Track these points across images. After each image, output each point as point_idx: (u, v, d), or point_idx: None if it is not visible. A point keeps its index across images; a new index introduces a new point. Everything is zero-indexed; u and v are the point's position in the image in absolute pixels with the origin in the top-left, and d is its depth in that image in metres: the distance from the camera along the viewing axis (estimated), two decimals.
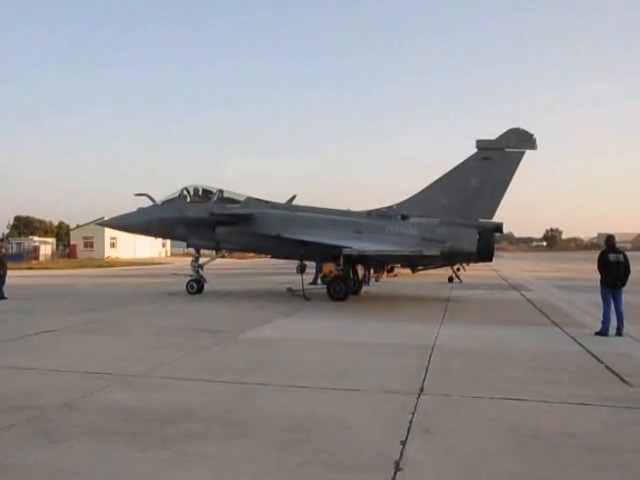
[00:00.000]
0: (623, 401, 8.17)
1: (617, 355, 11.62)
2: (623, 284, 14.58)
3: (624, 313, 14.45)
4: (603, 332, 14.16)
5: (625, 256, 14.56)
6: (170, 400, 8.05)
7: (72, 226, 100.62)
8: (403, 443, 6.37)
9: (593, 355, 11.63)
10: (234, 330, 14.54)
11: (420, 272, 30.88)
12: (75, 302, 21.57)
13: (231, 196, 25.03)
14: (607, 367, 10.46)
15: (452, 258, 23.92)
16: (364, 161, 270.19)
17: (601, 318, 14.49)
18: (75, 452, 6.12)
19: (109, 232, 75.58)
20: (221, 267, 46.93)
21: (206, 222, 23.79)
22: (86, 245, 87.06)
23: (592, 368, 10.50)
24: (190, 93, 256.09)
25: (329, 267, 27.40)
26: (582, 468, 5.79)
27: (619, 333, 14.12)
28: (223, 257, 29.80)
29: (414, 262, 24.90)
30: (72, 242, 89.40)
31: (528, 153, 22.81)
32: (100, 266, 56.74)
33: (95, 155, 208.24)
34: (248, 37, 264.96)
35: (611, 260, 14.45)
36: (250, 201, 24.81)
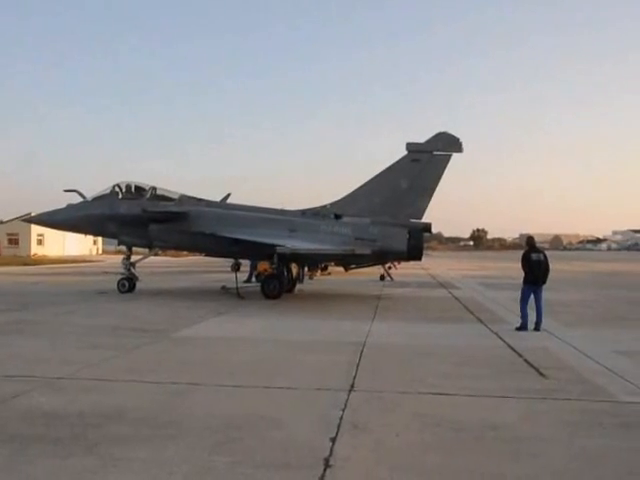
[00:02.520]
0: (539, 393, 8.53)
1: (535, 349, 12.12)
2: (544, 282, 15.22)
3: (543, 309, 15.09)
4: (523, 327, 14.75)
5: (545, 255, 15.22)
6: (98, 402, 7.78)
7: None
8: (333, 440, 6.40)
9: (514, 350, 12.06)
10: (167, 329, 14.24)
11: (353, 270, 31.22)
12: None
13: (165, 193, 24.53)
14: (526, 361, 10.88)
15: (383, 257, 24.29)
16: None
17: (520, 314, 15.06)
18: None
19: (36, 229, 72.50)
20: (154, 265, 45.85)
21: (138, 219, 23.18)
22: (10, 242, 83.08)
23: (513, 362, 10.89)
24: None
25: (263, 265, 27.27)
26: (502, 458, 5.98)
27: (537, 328, 14.73)
28: (156, 255, 29.12)
29: (347, 261, 25.12)
30: None
31: (455, 156, 23.48)
32: (26, 264, 54.32)
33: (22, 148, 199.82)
34: None
35: (533, 259, 15.07)
36: (184, 199, 24.38)
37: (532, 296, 15.12)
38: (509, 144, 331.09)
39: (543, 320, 14.92)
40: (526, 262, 15.15)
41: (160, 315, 17.15)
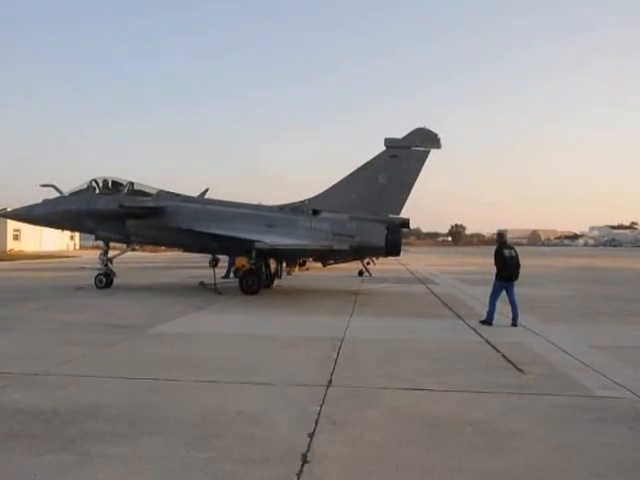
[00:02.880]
0: (516, 388, 8.61)
1: (512, 344, 12.23)
2: (517, 277, 15.37)
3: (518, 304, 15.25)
4: (488, 321, 14.97)
5: (516, 251, 15.39)
6: (74, 399, 7.69)
7: None
8: (311, 435, 6.40)
9: (491, 345, 12.16)
10: (144, 325, 14.13)
11: (331, 266, 31.21)
12: None
13: (142, 189, 24.33)
14: (504, 356, 10.97)
15: (361, 252, 24.32)
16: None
17: (487, 308, 15.26)
18: None
19: (12, 224, 71.32)
20: (132, 261, 45.51)
21: (116, 215, 22.96)
22: None
23: (490, 357, 10.98)
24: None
25: (241, 261, 27.16)
26: (480, 453, 6.03)
27: (514, 323, 14.87)
28: (134, 250, 28.88)
29: (325, 256, 25.11)
30: None
31: (433, 152, 23.58)
32: (2, 259, 53.48)
33: None
34: None
35: (506, 255, 15.21)
36: (161, 194, 24.20)
37: (504, 292, 15.30)
38: (487, 139, 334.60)
39: (520, 315, 15.06)
40: (499, 258, 15.27)
41: (137, 311, 17.00)
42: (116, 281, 24.30)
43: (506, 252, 15.24)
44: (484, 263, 52.97)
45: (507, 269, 15.17)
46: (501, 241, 15.62)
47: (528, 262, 60.61)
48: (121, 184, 24.13)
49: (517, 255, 15.29)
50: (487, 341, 12.63)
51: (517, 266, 15.24)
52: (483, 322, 14.99)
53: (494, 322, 14.98)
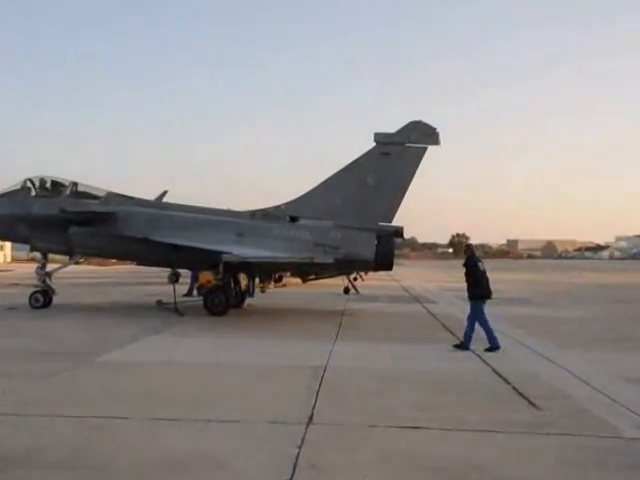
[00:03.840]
0: (529, 426, 8.62)
1: (524, 374, 12.28)
2: (491, 294, 15.72)
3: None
4: (465, 346, 15.16)
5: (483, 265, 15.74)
6: (3, 442, 7.55)
7: None
8: None
9: (499, 375, 12.20)
10: (90, 352, 13.97)
11: (312, 282, 31.22)
12: None
13: (88, 190, 24.13)
14: (514, 388, 11.00)
15: (347, 266, 24.35)
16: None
17: (477, 333, 15.41)
18: None
19: None
20: (75, 276, 45.04)
21: (56, 221, 22.70)
22: None
23: (499, 390, 11.01)
24: None
25: (206, 276, 26.96)
26: None
27: (494, 348, 15.05)
28: (78, 263, 28.56)
29: (305, 270, 25.14)
30: None
31: (431, 149, 23.68)
32: None
33: None
34: None
35: (481, 269, 15.50)
36: (111, 197, 24.01)
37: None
38: (495, 137, 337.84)
39: (533, 340, 15.17)
40: (473, 272, 15.50)
41: (82, 335, 16.82)
42: (56, 300, 24.01)
43: (480, 265, 15.58)
44: (491, 279, 52.95)
45: (483, 285, 15.45)
46: (470, 254, 15.92)
47: (541, 278, 61.45)
48: (62, 184, 23.91)
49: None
50: (495, 370, 12.66)
51: (487, 281, 15.61)
52: (458, 347, 15.16)
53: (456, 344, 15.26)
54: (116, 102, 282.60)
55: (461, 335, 17.62)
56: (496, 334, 15.36)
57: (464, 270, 15.67)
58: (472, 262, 15.59)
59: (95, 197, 23.93)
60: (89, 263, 59.70)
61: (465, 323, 15.63)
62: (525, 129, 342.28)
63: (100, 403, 9.46)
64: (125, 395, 10.03)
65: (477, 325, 15.36)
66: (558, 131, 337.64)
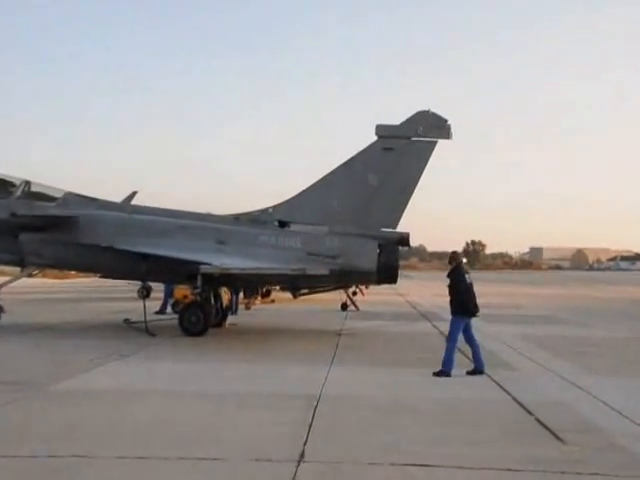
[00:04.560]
0: (556, 464, 8.60)
1: (550, 404, 12.32)
2: (478, 310, 15.85)
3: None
4: (446, 372, 15.17)
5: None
6: None
7: None
8: None
9: (521, 404, 12.22)
10: (45, 380, 13.93)
11: (304, 297, 31.19)
12: None
13: (43, 190, 24.03)
14: (538, 420, 11.01)
15: (345, 278, 24.30)
16: None
17: (445, 354, 15.41)
18: None
19: None
20: (28, 290, 44.96)
21: (4, 226, 22.64)
22: None
23: (519, 421, 11.03)
24: None
25: (182, 291, 26.99)
26: None
27: (480, 371, 15.29)
28: (31, 276, 28.51)
29: (296, 284, 25.10)
30: None
31: (441, 143, 23.66)
32: None
33: None
34: None
35: (468, 281, 15.68)
36: (70, 198, 23.93)
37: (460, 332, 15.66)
38: (515, 131, 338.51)
39: (559, 363, 15.19)
40: (458, 284, 15.62)
41: (35, 360, 16.81)
42: (5, 319, 23.97)
43: (467, 277, 15.73)
44: (511, 293, 53.03)
45: (470, 299, 15.56)
46: (455, 264, 16.07)
47: (568, 292, 61.43)
48: (12, 184, 23.77)
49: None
50: (515, 399, 12.68)
51: (474, 295, 15.76)
52: (438, 374, 15.16)
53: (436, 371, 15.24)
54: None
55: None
56: (455, 360, 15.49)
57: (448, 282, 15.82)
58: (458, 273, 15.75)
59: (51, 198, 23.83)
60: (45, 276, 59.64)
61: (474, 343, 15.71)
62: (548, 119, 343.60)
63: (56, 439, 9.41)
64: (85, 430, 10.00)
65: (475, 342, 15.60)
66: (589, 121, 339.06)
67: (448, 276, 15.91)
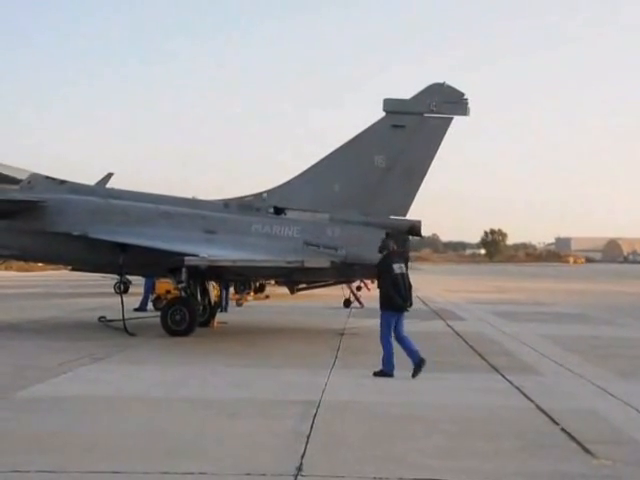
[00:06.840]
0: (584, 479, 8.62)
1: (577, 412, 12.35)
2: (411, 303, 15.98)
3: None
4: (387, 372, 15.45)
5: (407, 265, 16.08)
6: None
7: None
8: None
9: (545, 413, 12.24)
10: (8, 385, 13.99)
11: (303, 292, 31.18)
12: None
13: (4, 172, 23.93)
14: (564, 430, 11.02)
15: (348, 272, 24.29)
16: None
17: (383, 354, 15.71)
18: None
19: None
20: None
21: None
22: None
23: (543, 432, 11.03)
24: None
25: (165, 285, 27.04)
26: None
27: (418, 370, 15.35)
28: None
29: (293, 277, 25.08)
30: None
31: (457, 120, 23.59)
32: None
33: None
34: None
35: (396, 272, 15.60)
36: (37, 180, 23.80)
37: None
38: (539, 109, 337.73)
39: (586, 366, 15.21)
40: (387, 276, 15.64)
41: None
42: None
43: (395, 267, 15.64)
44: (535, 288, 52.70)
45: (399, 292, 15.55)
46: (387, 252, 16.14)
47: (597, 288, 61.33)
48: None
49: (407, 270, 15.91)
50: (539, 407, 12.70)
51: (409, 287, 15.77)
52: (379, 374, 15.40)
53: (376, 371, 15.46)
54: None
55: (496, 362, 17.76)
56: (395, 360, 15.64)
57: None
58: (384, 263, 15.83)
59: (15, 181, 23.72)
60: (8, 268, 59.78)
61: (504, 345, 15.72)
62: (578, 95, 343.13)
63: (21, 452, 9.43)
64: (54, 441, 10.01)
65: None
66: (620, 98, 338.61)
67: (376, 266, 16.04)
